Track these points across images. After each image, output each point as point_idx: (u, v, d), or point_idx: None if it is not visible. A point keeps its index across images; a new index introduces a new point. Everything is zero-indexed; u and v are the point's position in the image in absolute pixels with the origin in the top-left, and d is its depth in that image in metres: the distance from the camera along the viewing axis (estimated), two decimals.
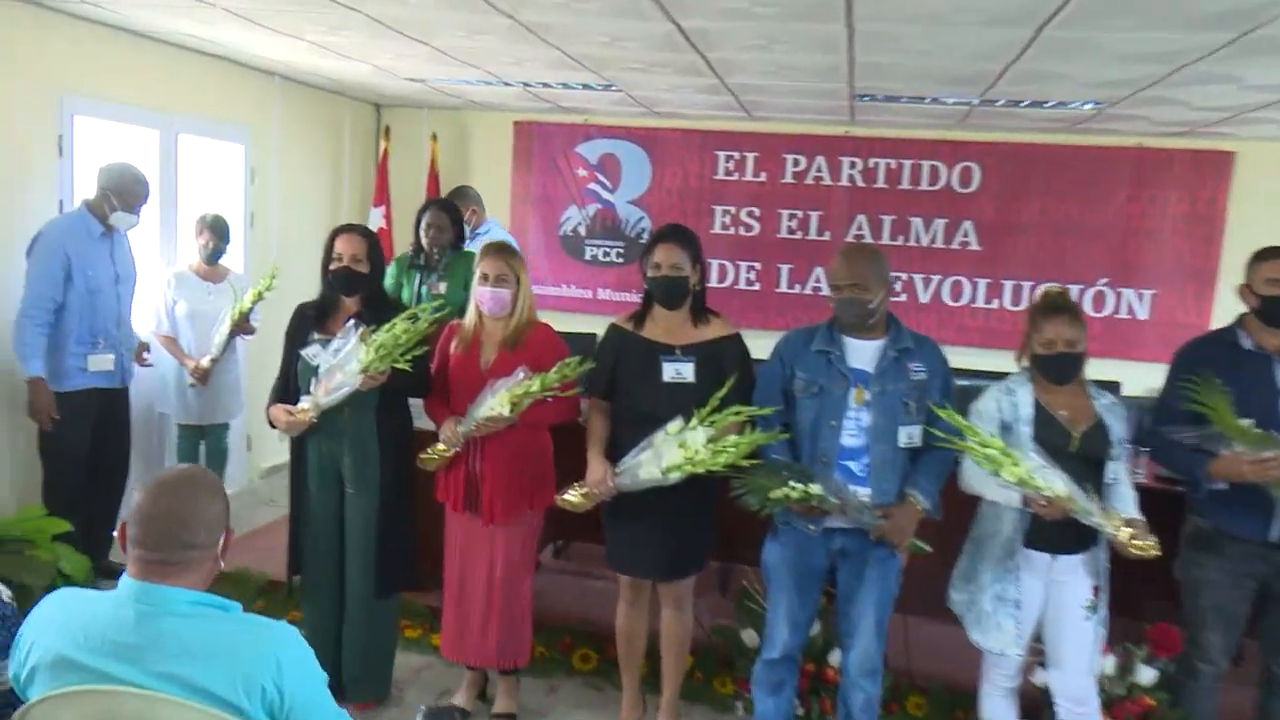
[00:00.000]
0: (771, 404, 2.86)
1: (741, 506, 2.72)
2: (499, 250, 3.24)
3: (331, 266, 3.23)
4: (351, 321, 3.16)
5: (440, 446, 3.18)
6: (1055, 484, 2.57)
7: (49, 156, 4.24)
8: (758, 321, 6.20)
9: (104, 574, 4.20)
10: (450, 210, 4.55)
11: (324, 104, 6.33)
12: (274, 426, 3.28)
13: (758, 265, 6.53)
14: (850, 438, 2.80)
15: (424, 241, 4.44)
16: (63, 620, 1.66)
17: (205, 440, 4.91)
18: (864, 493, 2.78)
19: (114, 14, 4.18)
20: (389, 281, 4.57)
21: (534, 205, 6.80)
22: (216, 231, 4.75)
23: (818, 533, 2.81)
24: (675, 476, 2.85)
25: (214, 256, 4.75)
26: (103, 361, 4.05)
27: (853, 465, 2.80)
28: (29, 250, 3.87)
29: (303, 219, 6.12)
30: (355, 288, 3.23)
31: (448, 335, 3.31)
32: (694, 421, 2.84)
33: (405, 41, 4.26)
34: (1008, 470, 2.57)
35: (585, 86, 5.35)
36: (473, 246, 4.90)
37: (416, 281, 4.46)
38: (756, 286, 6.54)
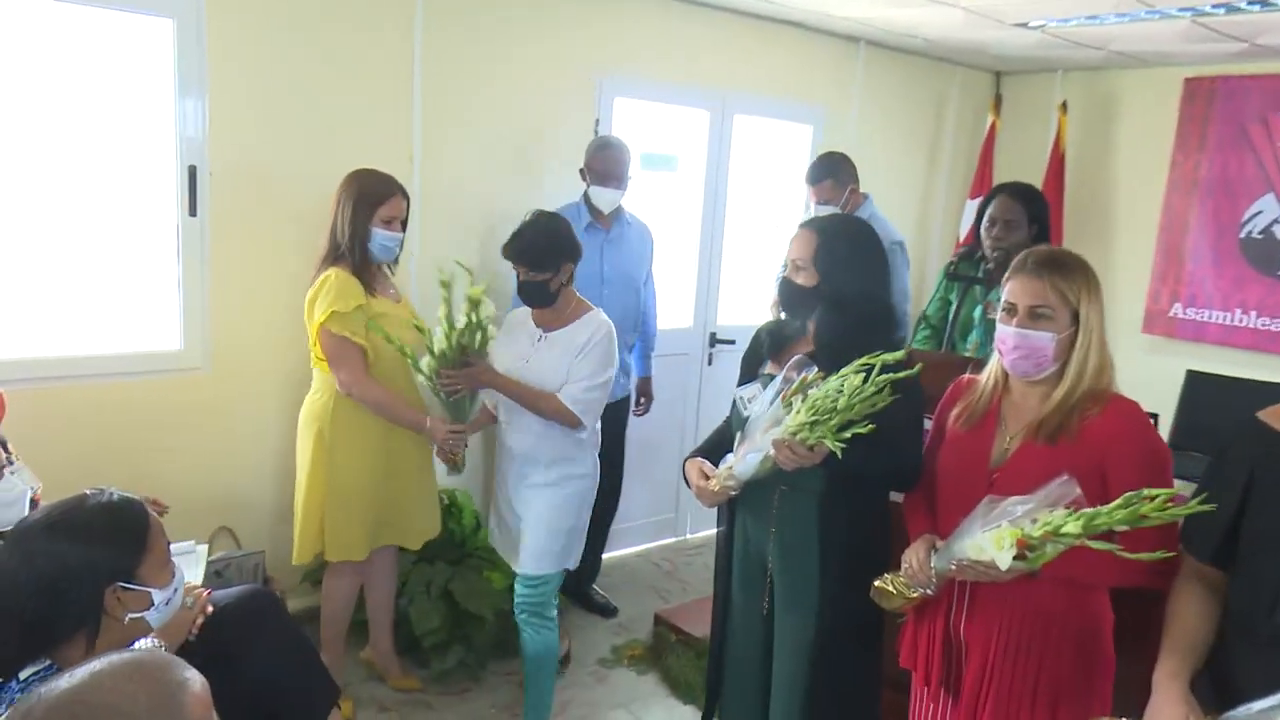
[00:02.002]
0: None
1: None
2: (1042, 262, 1.88)
3: (779, 275, 2.25)
4: (795, 359, 2.11)
5: (900, 579, 1.95)
6: None
7: (585, 143, 3.89)
8: None
9: (579, 602, 3.84)
10: (1030, 201, 3.07)
11: (921, 73, 5.18)
12: (689, 485, 2.36)
13: None
14: None
15: (984, 242, 3.09)
16: None
17: None
18: None
19: None
20: (934, 297, 3.35)
21: (1201, 194, 4.78)
22: (527, 258, 2.58)
23: None
24: None
25: (533, 294, 2.63)
26: None
27: None
28: None
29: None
30: (798, 307, 2.19)
31: (951, 396, 2.07)
32: None
33: None
34: None
35: None
36: None
37: (958, 298, 3.12)
38: None
